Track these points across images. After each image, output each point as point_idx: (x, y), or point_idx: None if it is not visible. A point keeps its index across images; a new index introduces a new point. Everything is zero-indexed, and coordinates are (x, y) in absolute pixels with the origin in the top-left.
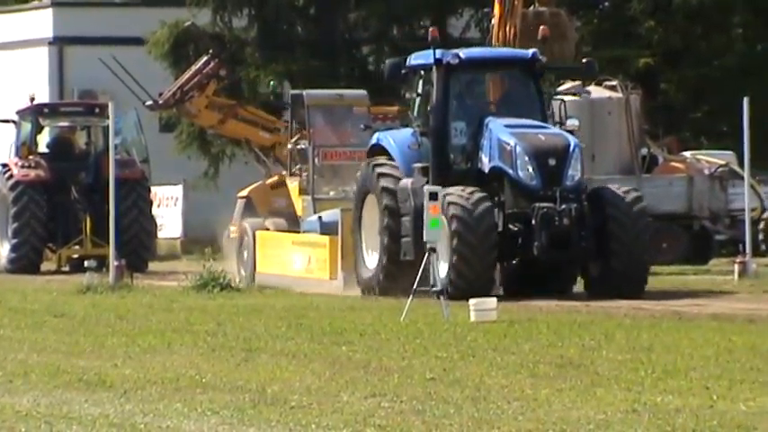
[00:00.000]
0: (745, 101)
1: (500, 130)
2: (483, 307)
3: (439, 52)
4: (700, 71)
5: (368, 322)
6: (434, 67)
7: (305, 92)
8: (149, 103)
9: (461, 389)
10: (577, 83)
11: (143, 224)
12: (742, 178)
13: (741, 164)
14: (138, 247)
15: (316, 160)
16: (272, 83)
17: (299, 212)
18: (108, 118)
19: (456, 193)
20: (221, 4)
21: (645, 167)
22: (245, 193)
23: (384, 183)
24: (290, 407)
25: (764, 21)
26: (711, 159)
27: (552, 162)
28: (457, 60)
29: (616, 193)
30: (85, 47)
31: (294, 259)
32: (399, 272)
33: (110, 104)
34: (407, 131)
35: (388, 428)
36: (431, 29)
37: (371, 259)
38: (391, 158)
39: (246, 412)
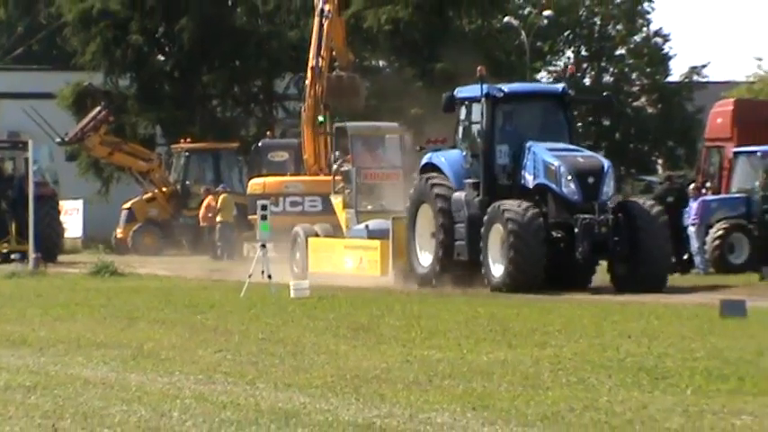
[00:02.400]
0: None
1: (544, 152)
2: (299, 287)
3: (486, 87)
4: None
5: (216, 298)
6: (483, 100)
7: (348, 124)
8: (58, 140)
9: (284, 345)
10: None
11: (54, 228)
12: None
13: None
14: (51, 245)
15: (357, 180)
16: (319, 118)
17: (342, 224)
18: (28, 151)
19: (510, 205)
20: (110, 69)
21: None
22: (128, 205)
23: (438, 191)
24: (159, 359)
25: None
26: None
27: (591, 180)
28: (501, 94)
29: (643, 207)
30: (13, 100)
31: (345, 260)
32: (452, 267)
33: (30, 141)
34: (456, 152)
35: (230, 374)
36: (479, 67)
37: (425, 258)
38: (442, 174)
39: (128, 363)
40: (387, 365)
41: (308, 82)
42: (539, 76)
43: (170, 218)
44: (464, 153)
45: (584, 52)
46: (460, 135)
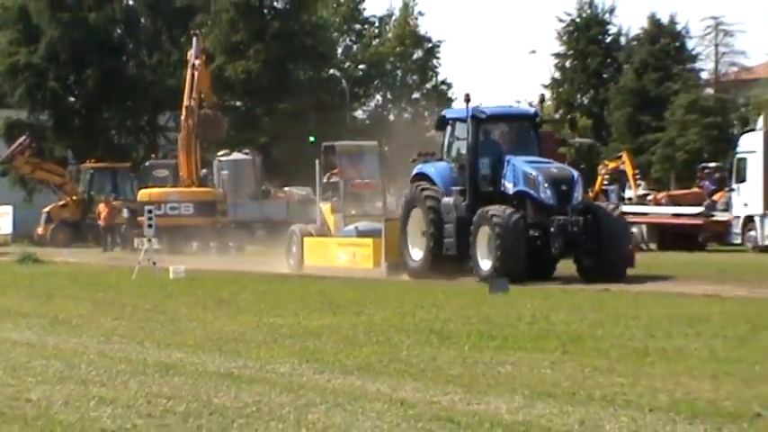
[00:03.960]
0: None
1: (522, 164)
2: (177, 271)
3: (471, 109)
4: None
5: (114, 279)
6: (469, 120)
7: (336, 143)
8: None
9: (164, 315)
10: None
11: None
12: (315, 202)
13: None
14: None
15: (345, 189)
16: (310, 138)
17: (331, 226)
18: None
19: (495, 209)
20: (33, 107)
21: (264, 196)
22: (47, 209)
23: (429, 194)
24: (71, 325)
25: None
26: (298, 191)
27: (564, 187)
28: (484, 115)
29: (606, 210)
30: None
31: (339, 255)
32: (441, 262)
33: None
34: (443, 164)
35: (125, 336)
36: (466, 93)
37: (416, 254)
38: (432, 182)
39: (47, 329)
40: (242, 329)
41: (182, 117)
42: (355, 114)
43: (79, 219)
44: (451, 164)
45: (389, 96)
46: (447, 149)
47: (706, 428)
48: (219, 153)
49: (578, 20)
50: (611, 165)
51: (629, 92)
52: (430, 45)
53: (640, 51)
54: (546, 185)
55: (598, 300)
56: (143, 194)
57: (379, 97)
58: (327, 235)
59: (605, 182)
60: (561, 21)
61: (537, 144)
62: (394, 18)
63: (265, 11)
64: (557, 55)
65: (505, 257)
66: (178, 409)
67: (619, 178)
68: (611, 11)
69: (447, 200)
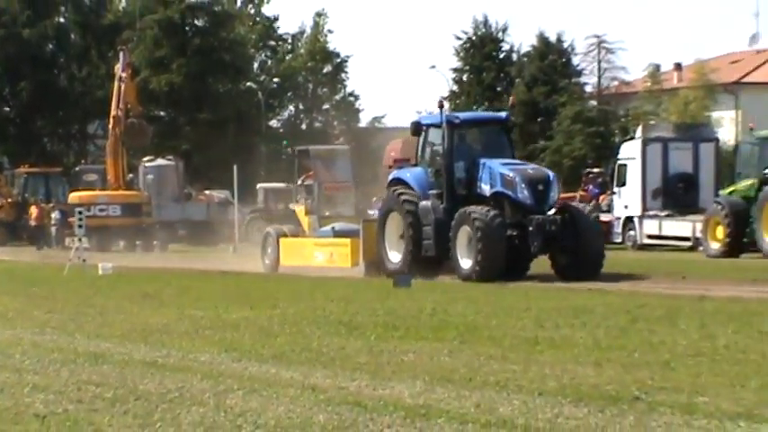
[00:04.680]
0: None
1: (499, 166)
2: (106, 267)
3: (446, 115)
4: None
5: (47, 275)
6: (444, 125)
7: (309, 147)
8: None
9: (94, 308)
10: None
11: None
12: (233, 204)
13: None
14: None
15: (319, 192)
16: (285, 141)
17: (305, 227)
18: None
19: (476, 210)
20: None
21: (186, 199)
22: None
23: (406, 198)
24: (7, 318)
25: None
26: (217, 194)
27: (540, 187)
28: (458, 120)
29: (579, 209)
30: None
31: (316, 255)
32: (419, 263)
33: None
34: (419, 169)
35: (57, 328)
36: (440, 98)
37: (394, 256)
38: (408, 187)
39: None
40: (166, 321)
41: (110, 126)
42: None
43: (14, 220)
44: (427, 169)
45: (301, 106)
46: (420, 153)
47: (590, 410)
48: (145, 159)
49: (474, 38)
50: None
51: (520, 104)
52: (339, 60)
53: (530, 67)
54: (523, 186)
55: (493, 293)
56: (74, 197)
57: (292, 108)
58: (302, 236)
59: None
60: (458, 38)
61: (510, 147)
62: (306, 35)
63: (187, 28)
64: (455, 70)
65: (487, 257)
66: (106, 395)
67: None
68: (504, 30)
69: (425, 203)
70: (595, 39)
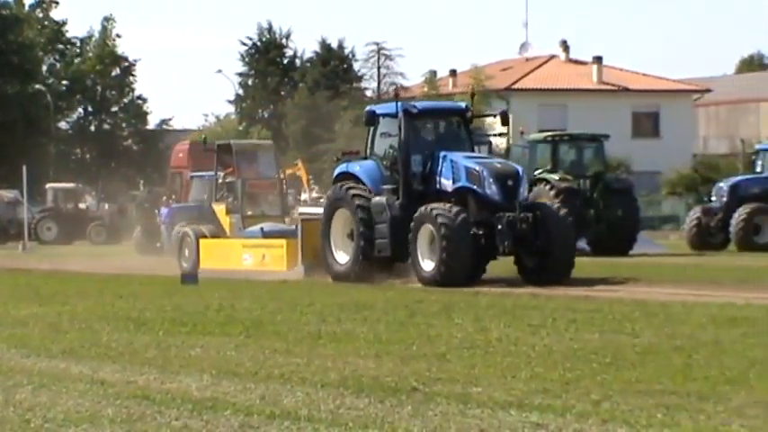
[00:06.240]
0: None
1: (463, 159)
2: None
3: (402, 104)
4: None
5: None
6: (401, 115)
7: (232, 141)
8: None
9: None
10: None
11: None
12: (22, 203)
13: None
14: None
15: (242, 190)
16: (201, 136)
17: (225, 227)
18: None
19: (439, 207)
20: None
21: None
22: None
23: (356, 193)
24: None
25: None
26: (6, 194)
27: (510, 183)
28: (416, 110)
29: (552, 208)
30: None
31: (244, 257)
32: (371, 265)
33: None
34: (370, 162)
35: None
36: (395, 87)
37: (341, 256)
38: (359, 181)
39: None
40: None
41: None
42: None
43: None
44: (383, 162)
45: (90, 109)
46: (373, 146)
47: (370, 401)
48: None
49: (259, 43)
50: (289, 171)
51: (303, 107)
52: (127, 64)
53: (313, 72)
54: (491, 181)
55: (277, 290)
56: None
57: (81, 110)
58: (223, 236)
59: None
60: (244, 44)
61: (469, 140)
62: (94, 39)
63: None
64: (240, 74)
65: (451, 258)
66: None
67: (295, 183)
68: (288, 36)
69: (378, 199)
70: (375, 46)
